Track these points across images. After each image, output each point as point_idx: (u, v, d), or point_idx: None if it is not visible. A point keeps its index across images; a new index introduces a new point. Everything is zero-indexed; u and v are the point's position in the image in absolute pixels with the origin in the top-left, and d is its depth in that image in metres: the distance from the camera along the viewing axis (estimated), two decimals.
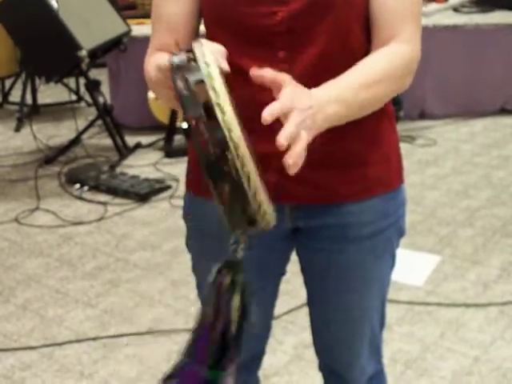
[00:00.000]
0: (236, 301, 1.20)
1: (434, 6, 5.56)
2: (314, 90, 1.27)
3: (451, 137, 5.10)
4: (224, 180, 1.13)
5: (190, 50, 1.15)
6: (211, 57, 1.13)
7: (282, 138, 1.12)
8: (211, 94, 1.09)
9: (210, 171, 1.13)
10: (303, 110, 1.19)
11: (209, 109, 1.10)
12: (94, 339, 2.89)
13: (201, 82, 1.11)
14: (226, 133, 1.09)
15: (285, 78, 1.20)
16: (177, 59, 1.15)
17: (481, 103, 5.46)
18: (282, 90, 1.18)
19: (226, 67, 1.17)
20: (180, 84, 1.13)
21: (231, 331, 1.19)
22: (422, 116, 5.39)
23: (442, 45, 5.18)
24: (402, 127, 4.83)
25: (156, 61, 1.36)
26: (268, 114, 1.13)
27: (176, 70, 1.14)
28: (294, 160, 1.13)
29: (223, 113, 1.09)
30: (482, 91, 5.42)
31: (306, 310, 1.74)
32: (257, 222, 1.15)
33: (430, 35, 4.84)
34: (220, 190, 1.15)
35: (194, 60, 1.13)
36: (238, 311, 1.20)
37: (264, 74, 1.19)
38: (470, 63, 5.37)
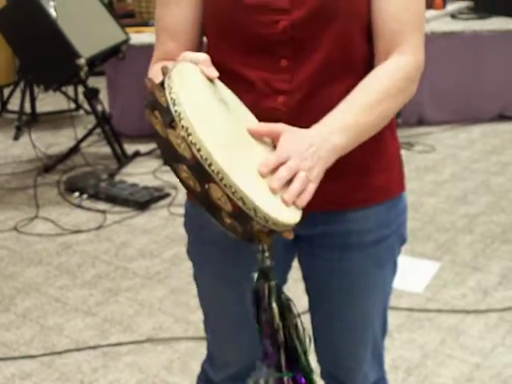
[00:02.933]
0: (275, 307, 1.26)
1: (431, 13, 5.58)
2: (316, 126, 1.28)
3: (450, 143, 5.11)
4: (223, 211, 1.13)
5: (163, 73, 1.16)
6: (180, 87, 1.12)
7: (273, 183, 1.15)
8: (183, 133, 1.09)
9: (206, 206, 1.13)
10: (301, 152, 1.22)
11: (186, 150, 1.10)
12: (93, 348, 2.88)
13: (171, 122, 1.11)
14: (207, 168, 1.09)
15: (280, 128, 1.22)
16: (149, 98, 1.15)
17: (479, 109, 5.47)
18: (279, 140, 1.22)
19: (212, 74, 1.18)
20: (156, 129, 1.13)
21: (280, 337, 1.26)
22: (421, 122, 5.40)
23: (439, 51, 5.19)
24: (400, 134, 4.81)
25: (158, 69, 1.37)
26: (264, 166, 1.15)
27: (151, 106, 1.14)
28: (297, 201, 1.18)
29: (198, 150, 1.09)
30: (480, 97, 5.43)
31: (306, 317, 1.74)
32: (273, 231, 1.17)
33: (427, 42, 4.79)
34: (222, 219, 1.15)
35: (164, 99, 1.13)
36: (279, 316, 1.27)
37: (259, 129, 1.22)
38: (468, 70, 5.38)
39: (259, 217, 1.13)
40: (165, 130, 1.10)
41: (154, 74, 1.44)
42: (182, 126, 1.09)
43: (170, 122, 1.10)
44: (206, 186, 1.11)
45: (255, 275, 1.24)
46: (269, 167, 1.16)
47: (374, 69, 1.40)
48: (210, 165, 1.09)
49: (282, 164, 1.19)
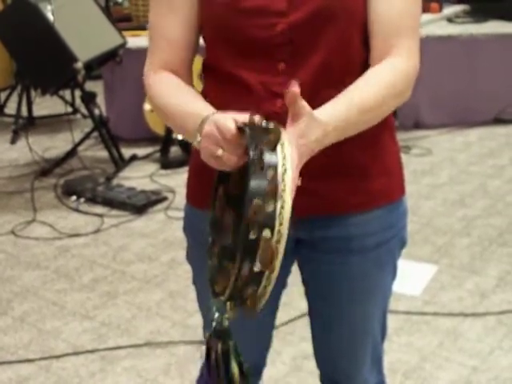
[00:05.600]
0: (234, 368, 1.24)
1: (428, 17, 5.59)
2: (316, 118, 1.28)
3: (446, 146, 5.11)
4: (252, 263, 1.13)
5: (269, 131, 1.17)
6: (290, 155, 1.15)
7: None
8: (279, 186, 1.11)
9: (243, 246, 1.14)
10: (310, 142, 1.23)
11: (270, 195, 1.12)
12: (91, 352, 2.88)
13: (272, 167, 1.12)
14: (277, 225, 1.11)
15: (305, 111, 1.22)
16: (250, 130, 1.16)
17: (475, 113, 5.48)
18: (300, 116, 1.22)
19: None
20: (252, 154, 1.14)
21: None
22: (417, 126, 5.41)
23: (436, 55, 5.20)
24: (397, 137, 4.83)
25: (171, 86, 1.40)
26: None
27: (250, 139, 1.15)
28: None
29: (282, 207, 1.11)
30: (476, 101, 5.44)
31: (304, 321, 1.75)
32: (246, 305, 1.17)
33: (424, 45, 4.80)
34: (238, 268, 1.15)
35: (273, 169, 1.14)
36: (239, 377, 1.25)
37: (297, 97, 1.21)
38: (465, 73, 5.39)
39: (265, 291, 1.16)
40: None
41: (162, 92, 1.45)
42: (283, 179, 1.12)
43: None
44: (261, 233, 1.12)
45: (207, 336, 1.24)
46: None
47: (369, 69, 1.41)
48: (280, 223, 1.11)
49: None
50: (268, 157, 1.13)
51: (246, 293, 1.14)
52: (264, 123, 1.17)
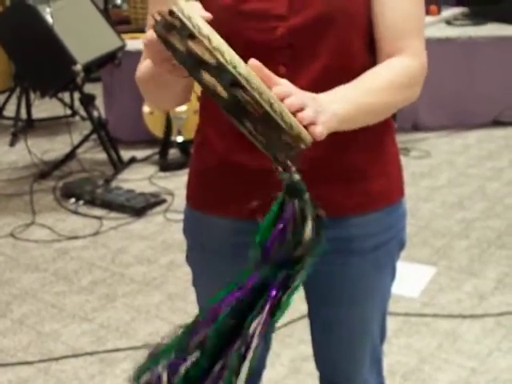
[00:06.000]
0: (309, 223, 1.22)
1: (426, 19, 5.53)
2: (318, 94, 1.27)
3: (445, 149, 5.12)
4: (250, 117, 1.14)
5: (169, 13, 1.16)
6: (190, 9, 1.15)
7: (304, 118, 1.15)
8: (205, 41, 1.12)
9: (234, 114, 1.14)
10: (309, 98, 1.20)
11: (209, 58, 1.13)
12: (90, 354, 2.88)
13: (190, 36, 1.13)
14: (232, 70, 1.11)
15: (282, 80, 1.20)
16: (160, 25, 1.16)
17: (474, 115, 5.48)
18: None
19: (208, 15, 1.19)
20: (173, 45, 1.15)
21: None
22: (416, 128, 5.41)
23: (434, 57, 5.15)
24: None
25: (147, 63, 1.38)
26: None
27: (163, 36, 1.16)
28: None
29: (222, 53, 1.12)
30: (475, 103, 5.44)
31: (303, 323, 1.75)
32: (295, 143, 1.16)
33: None
34: (249, 128, 1.16)
35: (177, 20, 1.14)
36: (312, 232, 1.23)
37: (259, 66, 1.18)
38: (464, 75, 5.40)
39: (285, 121, 1.14)
40: (185, 42, 1.13)
41: (142, 70, 1.44)
42: (203, 35, 1.12)
43: (189, 35, 1.13)
44: (233, 91, 1.12)
45: (280, 196, 1.20)
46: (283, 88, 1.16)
47: (379, 64, 1.41)
48: (235, 67, 1.12)
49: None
50: (182, 33, 1.14)
51: (280, 129, 1.14)
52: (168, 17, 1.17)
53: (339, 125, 1.28)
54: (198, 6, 1.20)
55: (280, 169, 1.19)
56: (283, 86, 1.18)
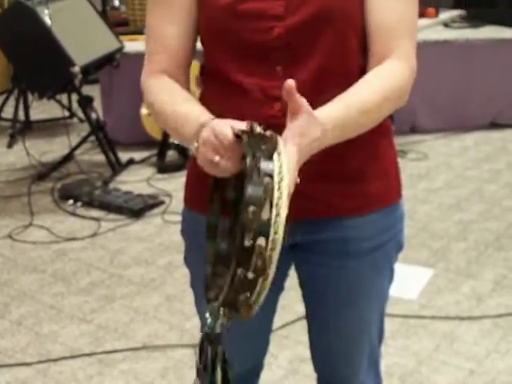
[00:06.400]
0: (218, 375, 1.24)
1: (424, 22, 5.60)
2: (320, 123, 1.28)
3: (442, 151, 5.13)
4: (246, 267, 1.13)
5: (272, 142, 1.17)
6: (286, 162, 1.15)
7: None
8: (276, 192, 1.12)
9: (239, 256, 1.14)
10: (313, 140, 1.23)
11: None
12: (89, 355, 2.88)
13: (269, 175, 1.13)
14: (272, 234, 1.11)
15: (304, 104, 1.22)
16: (251, 142, 1.16)
17: (471, 118, 5.49)
18: (299, 113, 1.22)
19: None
20: (249, 162, 1.14)
21: None
22: (413, 130, 5.42)
23: (432, 60, 5.21)
24: None
25: (171, 92, 1.41)
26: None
27: (247, 146, 1.16)
28: None
29: (278, 215, 1.12)
30: (472, 105, 5.45)
31: (300, 324, 1.75)
32: (240, 311, 1.17)
33: (420, 50, 4.82)
34: (224, 276, 1.18)
35: (268, 147, 1.15)
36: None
37: (295, 94, 1.20)
38: (461, 78, 5.41)
39: (259, 296, 1.16)
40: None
41: (161, 96, 1.46)
42: (279, 190, 1.12)
43: (268, 175, 1.13)
44: (254, 242, 1.13)
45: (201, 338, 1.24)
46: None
47: (369, 72, 1.42)
48: (275, 233, 1.12)
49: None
50: (265, 164, 1.13)
51: (240, 299, 1.14)
52: (261, 131, 1.18)
53: (332, 141, 1.32)
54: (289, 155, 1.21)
55: (210, 311, 1.21)
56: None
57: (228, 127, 1.23)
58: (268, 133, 1.18)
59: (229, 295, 1.15)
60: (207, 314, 1.21)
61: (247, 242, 1.11)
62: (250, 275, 1.12)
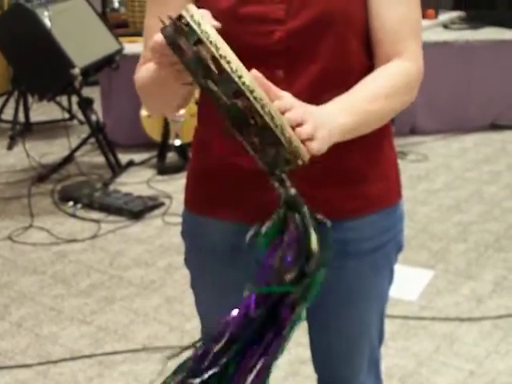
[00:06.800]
0: (313, 234, 1.22)
1: (424, 23, 5.56)
2: (322, 106, 1.29)
3: (442, 152, 5.13)
4: (250, 127, 1.15)
5: (178, 18, 1.16)
6: (200, 15, 1.16)
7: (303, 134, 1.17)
8: (212, 48, 1.13)
9: (234, 123, 1.15)
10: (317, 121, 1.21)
11: (215, 65, 1.14)
12: (89, 356, 2.89)
13: (198, 41, 1.14)
14: (237, 80, 1.12)
15: (284, 93, 1.21)
16: (169, 29, 1.17)
17: (471, 119, 5.50)
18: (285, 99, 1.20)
19: (217, 23, 1.19)
20: (181, 50, 1.15)
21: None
22: (413, 132, 5.42)
23: (432, 61, 5.17)
24: None
25: (148, 66, 1.38)
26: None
27: (171, 39, 1.16)
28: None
29: (228, 62, 1.13)
30: (472, 107, 5.46)
31: (301, 326, 1.75)
32: (292, 159, 1.17)
33: None
34: (249, 138, 1.17)
35: (186, 25, 1.15)
36: (318, 243, 1.22)
37: (261, 78, 1.19)
38: (461, 79, 5.41)
39: (285, 136, 1.15)
40: (193, 47, 1.14)
41: (143, 74, 1.45)
42: (211, 42, 1.13)
43: (197, 40, 1.14)
44: (235, 101, 1.13)
45: (280, 211, 1.21)
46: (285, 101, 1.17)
47: (378, 69, 1.42)
48: (240, 77, 1.12)
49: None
50: (190, 39, 1.14)
51: (286, 140, 1.15)
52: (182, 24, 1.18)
53: (341, 137, 1.30)
54: (208, 14, 1.21)
55: (275, 183, 1.20)
56: (285, 99, 1.18)
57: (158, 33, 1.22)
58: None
59: (267, 157, 1.17)
60: (276, 184, 1.20)
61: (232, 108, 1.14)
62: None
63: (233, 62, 1.13)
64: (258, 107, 1.13)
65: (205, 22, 1.15)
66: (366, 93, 1.36)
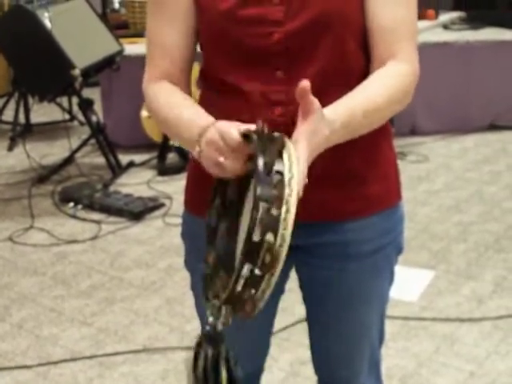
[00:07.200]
0: (224, 374, 1.23)
1: (424, 24, 5.60)
2: (327, 122, 1.28)
3: (442, 153, 5.13)
4: (252, 260, 1.13)
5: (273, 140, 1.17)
6: (294, 154, 1.16)
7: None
8: (286, 190, 1.12)
9: (243, 252, 1.13)
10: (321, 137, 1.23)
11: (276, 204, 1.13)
12: (89, 358, 2.89)
13: (279, 172, 1.14)
14: (281, 229, 1.12)
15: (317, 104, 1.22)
16: (256, 138, 1.17)
17: (471, 119, 5.50)
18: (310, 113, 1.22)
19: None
20: (260, 161, 1.14)
21: None
22: (413, 132, 5.42)
23: (432, 62, 5.21)
24: None
25: (173, 100, 1.41)
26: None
27: (258, 147, 1.16)
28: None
29: (287, 211, 1.12)
30: (472, 107, 5.45)
31: (301, 327, 1.76)
32: (244, 308, 1.17)
33: (420, 52, 4.82)
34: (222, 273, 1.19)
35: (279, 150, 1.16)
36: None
37: (306, 89, 1.20)
38: (461, 80, 5.41)
39: (263, 294, 1.15)
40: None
41: (158, 102, 1.46)
42: (289, 185, 1.13)
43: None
44: (261, 238, 1.13)
45: (198, 340, 1.23)
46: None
47: (374, 73, 1.42)
48: (284, 230, 1.12)
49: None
50: (276, 163, 1.14)
51: (244, 296, 1.15)
52: (270, 131, 1.19)
53: (338, 140, 1.31)
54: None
55: (211, 309, 1.20)
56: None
57: (234, 128, 1.23)
58: (276, 133, 1.19)
59: (233, 292, 1.15)
60: (208, 312, 1.20)
61: (256, 237, 1.11)
62: (257, 271, 1.12)
63: (290, 214, 1.12)
64: (276, 258, 1.12)
65: (295, 165, 1.15)
66: (363, 104, 1.36)
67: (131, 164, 4.88)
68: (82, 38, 4.55)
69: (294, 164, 1.15)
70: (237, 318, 1.19)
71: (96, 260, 3.67)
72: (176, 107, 1.43)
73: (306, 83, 1.19)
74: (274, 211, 1.12)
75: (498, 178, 4.67)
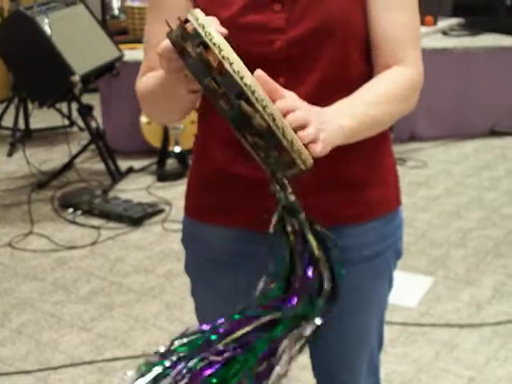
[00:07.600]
0: (311, 239, 1.23)
1: (422, 30, 5.59)
2: (325, 108, 1.29)
3: (442, 159, 5.14)
4: (252, 129, 1.15)
5: (184, 21, 1.18)
6: (204, 19, 1.17)
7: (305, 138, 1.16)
8: (215, 49, 1.14)
9: (237, 125, 1.15)
10: (319, 120, 1.21)
11: (218, 67, 1.15)
12: (89, 363, 2.89)
13: (202, 43, 1.15)
14: (239, 81, 1.12)
15: (287, 92, 1.22)
16: (174, 32, 1.18)
17: (471, 125, 5.50)
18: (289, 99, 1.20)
19: (223, 30, 1.20)
20: (186, 54, 1.16)
21: (321, 271, 1.25)
22: (413, 138, 5.43)
23: (431, 68, 5.17)
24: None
25: (152, 74, 1.39)
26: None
27: (177, 43, 1.17)
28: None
29: (231, 64, 1.13)
30: (471, 114, 5.46)
31: None
32: (295, 162, 1.17)
33: None
34: (251, 141, 1.17)
35: (192, 28, 1.17)
36: (318, 247, 1.24)
37: (265, 77, 1.19)
38: (460, 86, 5.42)
39: (286, 138, 1.14)
40: (197, 50, 1.15)
41: (147, 81, 1.45)
42: (214, 44, 1.14)
43: (201, 42, 1.15)
44: (238, 102, 1.14)
45: (276, 216, 1.23)
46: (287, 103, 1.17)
47: (379, 74, 1.43)
48: (242, 78, 1.13)
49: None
50: (194, 41, 1.16)
51: (295, 148, 1.15)
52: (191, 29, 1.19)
53: (344, 139, 1.30)
54: (215, 20, 1.21)
55: (276, 187, 1.21)
56: (288, 99, 1.19)
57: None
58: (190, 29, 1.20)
59: (269, 161, 1.17)
60: (277, 188, 1.21)
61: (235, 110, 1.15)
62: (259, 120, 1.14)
63: (235, 64, 1.13)
64: (260, 108, 1.13)
65: (209, 25, 1.16)
66: (369, 98, 1.37)
67: (131, 170, 4.88)
68: (81, 44, 4.56)
69: (201, 21, 1.16)
70: (299, 174, 1.19)
71: (95, 265, 3.67)
72: (152, 75, 1.43)
73: (259, 72, 1.19)
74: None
75: (497, 183, 4.68)
